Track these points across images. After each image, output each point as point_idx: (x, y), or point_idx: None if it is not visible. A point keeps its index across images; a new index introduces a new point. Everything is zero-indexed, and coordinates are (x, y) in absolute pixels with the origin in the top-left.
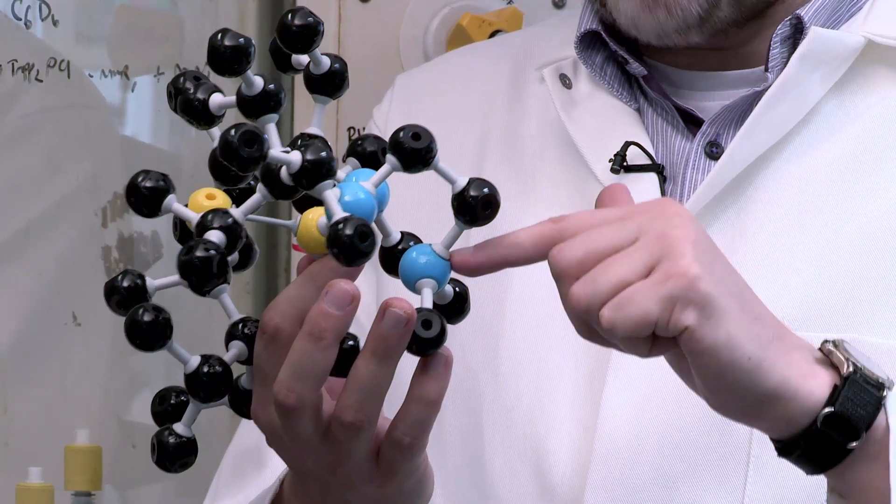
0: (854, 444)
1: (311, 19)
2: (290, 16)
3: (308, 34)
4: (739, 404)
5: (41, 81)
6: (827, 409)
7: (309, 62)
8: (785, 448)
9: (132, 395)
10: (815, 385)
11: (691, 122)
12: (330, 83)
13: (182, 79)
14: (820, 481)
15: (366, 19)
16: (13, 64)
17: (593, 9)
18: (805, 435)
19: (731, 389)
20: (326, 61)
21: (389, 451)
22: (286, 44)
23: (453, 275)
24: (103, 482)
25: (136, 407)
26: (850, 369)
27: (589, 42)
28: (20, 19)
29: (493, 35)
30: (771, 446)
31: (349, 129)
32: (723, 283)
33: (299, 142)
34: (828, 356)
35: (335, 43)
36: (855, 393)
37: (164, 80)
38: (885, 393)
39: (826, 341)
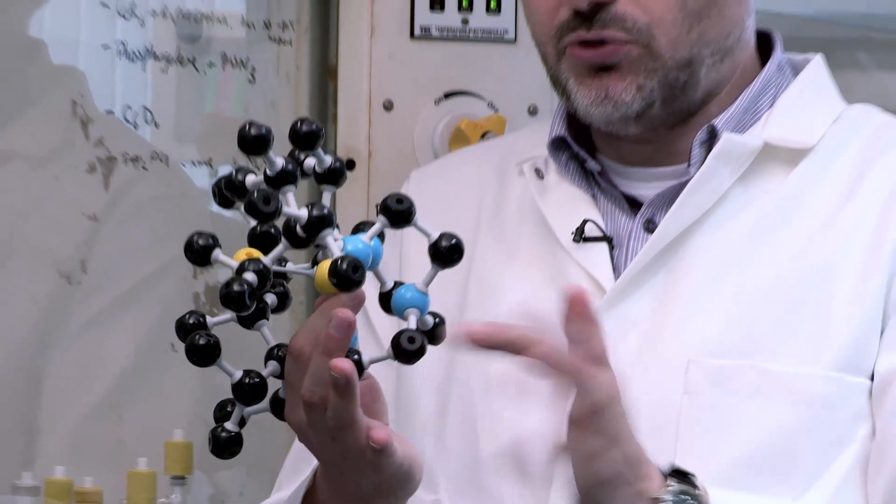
0: None
1: (315, 126)
2: (299, 123)
3: (311, 137)
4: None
5: (146, 170)
6: None
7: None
8: None
9: (215, 403)
10: None
11: (633, 205)
12: (332, 177)
13: (228, 174)
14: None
15: (389, 123)
16: (125, 155)
17: (561, 114)
18: None
19: None
20: (328, 160)
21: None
22: (295, 144)
23: (433, 308)
24: (194, 468)
25: None
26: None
27: (557, 145)
28: (130, 122)
29: (484, 135)
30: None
31: (376, 205)
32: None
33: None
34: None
35: (366, 140)
36: None
37: None
38: None
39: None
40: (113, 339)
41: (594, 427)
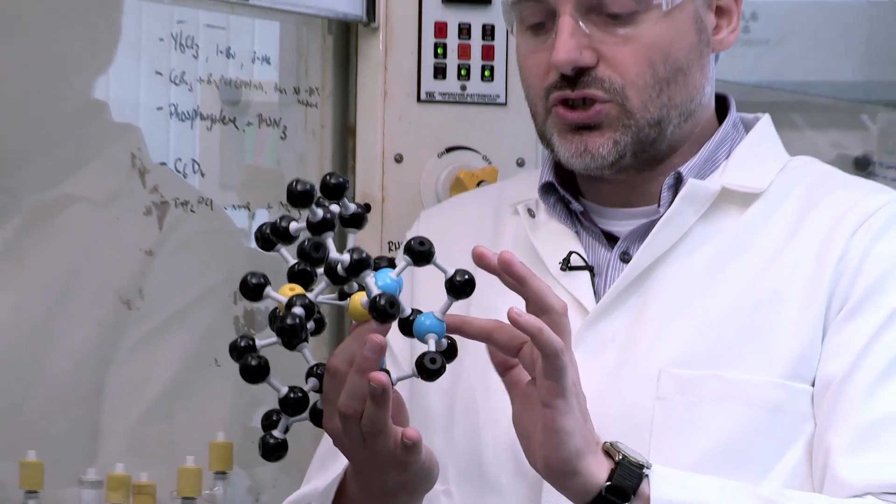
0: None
1: (341, 179)
2: (328, 177)
3: (339, 188)
4: (559, 464)
5: (194, 212)
6: (607, 483)
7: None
8: None
9: (252, 410)
10: (601, 469)
11: (610, 239)
12: (355, 221)
13: (273, 221)
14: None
15: (399, 173)
16: (176, 200)
17: (549, 164)
18: (596, 500)
19: (558, 455)
20: (352, 207)
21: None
22: (325, 194)
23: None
24: (234, 465)
25: (254, 417)
26: (619, 458)
27: (546, 189)
28: (181, 172)
29: (479, 184)
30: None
31: (389, 242)
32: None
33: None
34: (607, 451)
35: (380, 188)
36: (624, 472)
37: (273, 212)
38: (645, 471)
39: (605, 442)
40: (164, 354)
41: (569, 406)
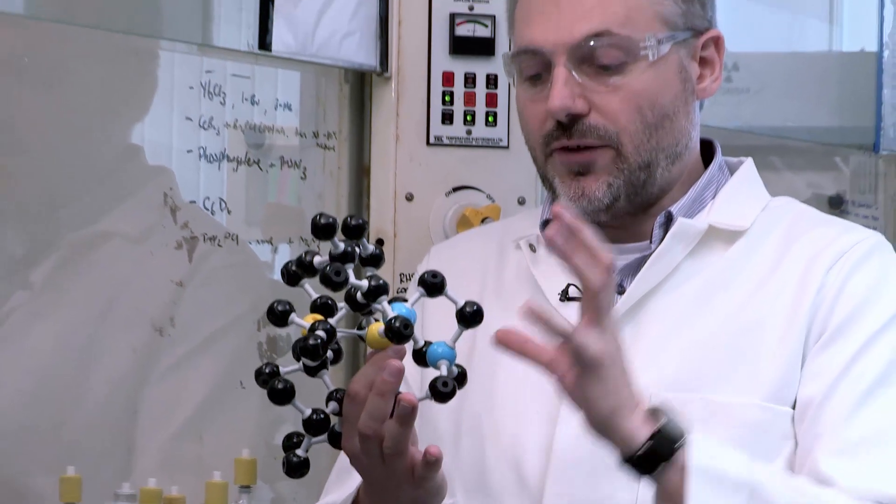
0: (664, 463)
1: (360, 221)
2: (349, 219)
3: (358, 229)
4: (595, 425)
5: (221, 247)
6: (647, 443)
7: (360, 249)
8: (625, 461)
9: (275, 429)
10: (639, 432)
11: None
12: (373, 260)
13: (298, 256)
14: None
15: (410, 211)
16: (204, 235)
17: (549, 202)
18: (636, 454)
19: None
20: (371, 247)
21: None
22: (345, 234)
23: (458, 361)
24: (257, 479)
25: (276, 436)
26: (661, 425)
27: (547, 225)
28: (209, 210)
29: (483, 220)
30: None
31: (400, 274)
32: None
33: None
34: (651, 415)
35: (392, 224)
36: (664, 434)
37: (295, 247)
38: (680, 443)
39: (649, 407)
40: (194, 378)
41: (593, 379)
